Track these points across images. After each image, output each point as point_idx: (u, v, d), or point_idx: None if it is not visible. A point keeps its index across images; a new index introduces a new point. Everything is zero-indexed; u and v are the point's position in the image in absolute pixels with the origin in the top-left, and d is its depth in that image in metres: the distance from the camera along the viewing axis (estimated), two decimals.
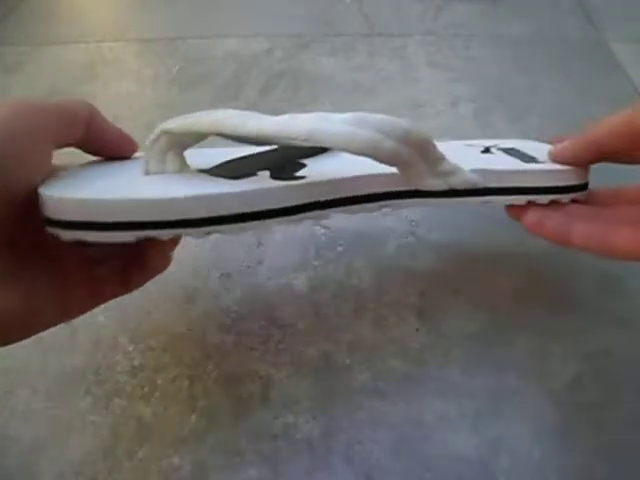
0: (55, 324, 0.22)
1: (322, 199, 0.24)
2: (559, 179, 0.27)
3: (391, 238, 0.34)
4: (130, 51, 0.53)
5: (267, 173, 0.24)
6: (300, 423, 0.26)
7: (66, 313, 0.23)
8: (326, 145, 0.22)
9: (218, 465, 0.25)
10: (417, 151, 0.24)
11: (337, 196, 0.25)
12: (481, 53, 0.51)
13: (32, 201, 0.20)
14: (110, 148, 0.24)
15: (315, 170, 0.26)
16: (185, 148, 0.24)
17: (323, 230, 0.35)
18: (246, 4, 0.59)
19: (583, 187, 0.27)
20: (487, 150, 0.30)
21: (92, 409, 0.27)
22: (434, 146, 0.24)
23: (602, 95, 0.45)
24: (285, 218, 0.23)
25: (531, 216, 0.26)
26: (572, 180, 0.27)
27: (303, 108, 0.44)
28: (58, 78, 0.49)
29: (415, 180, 0.25)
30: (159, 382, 0.28)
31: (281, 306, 0.31)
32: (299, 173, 0.25)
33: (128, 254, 0.24)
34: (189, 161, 0.25)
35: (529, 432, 0.26)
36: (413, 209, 0.35)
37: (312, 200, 0.24)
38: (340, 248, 0.34)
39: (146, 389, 0.28)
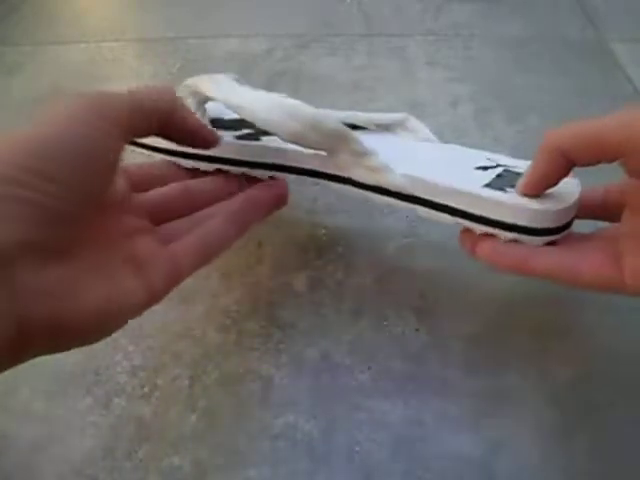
0: (144, 309, 0.22)
1: (252, 160, 0.29)
2: (499, 212, 0.24)
3: (391, 238, 0.34)
4: (130, 51, 0.53)
5: (244, 132, 0.30)
6: (300, 423, 0.26)
7: (152, 295, 0.22)
8: (246, 119, 0.27)
9: (218, 465, 0.25)
10: (336, 140, 0.26)
11: (269, 161, 0.29)
12: (481, 53, 0.51)
13: (105, 196, 0.21)
14: (190, 140, 0.25)
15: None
16: (202, 100, 0.29)
17: (323, 230, 0.35)
18: (246, 4, 0.59)
19: (532, 231, 0.24)
20: (486, 168, 0.27)
21: (92, 409, 0.27)
22: (354, 139, 0.26)
23: (602, 95, 0.45)
24: (223, 166, 0.29)
25: (484, 244, 0.24)
26: (514, 217, 0.24)
27: None
28: (58, 78, 0.49)
29: (343, 167, 0.27)
30: (159, 382, 0.28)
31: (281, 306, 0.31)
32: (265, 138, 0.29)
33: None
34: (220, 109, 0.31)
35: (529, 432, 0.26)
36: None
37: (244, 159, 0.29)
38: (340, 248, 0.34)
39: (146, 389, 0.28)
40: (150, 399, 0.27)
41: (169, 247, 0.24)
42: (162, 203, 0.26)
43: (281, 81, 0.48)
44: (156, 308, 0.31)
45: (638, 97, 0.45)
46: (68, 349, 0.20)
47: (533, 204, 0.24)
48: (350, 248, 0.34)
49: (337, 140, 0.26)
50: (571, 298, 0.31)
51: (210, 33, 0.55)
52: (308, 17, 0.56)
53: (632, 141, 0.20)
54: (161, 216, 0.26)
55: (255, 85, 0.49)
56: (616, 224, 0.24)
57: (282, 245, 0.34)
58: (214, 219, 0.26)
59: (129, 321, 0.31)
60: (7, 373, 0.28)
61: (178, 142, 0.25)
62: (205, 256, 0.25)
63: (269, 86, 0.47)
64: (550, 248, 0.24)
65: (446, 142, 0.31)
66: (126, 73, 0.50)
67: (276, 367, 0.28)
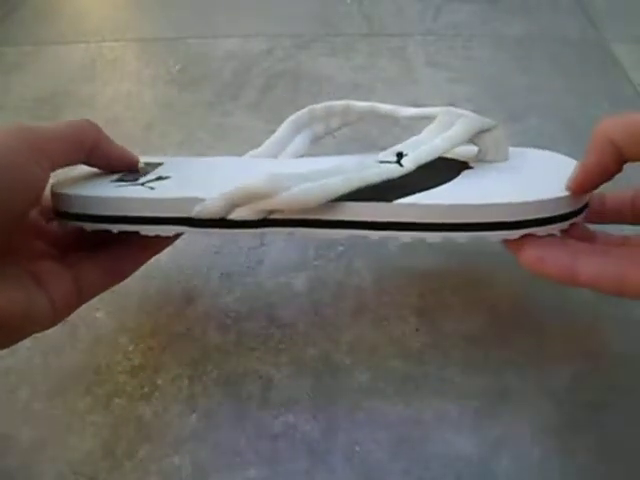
0: (49, 325, 0.23)
1: None
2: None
3: (391, 239, 0.34)
4: (130, 51, 0.53)
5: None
6: (300, 423, 0.26)
7: (56, 313, 0.23)
8: None
9: (218, 465, 0.25)
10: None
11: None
12: (481, 53, 0.51)
13: (22, 218, 0.22)
14: (113, 166, 0.27)
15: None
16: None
17: None
18: (246, 4, 0.59)
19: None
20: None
21: (92, 409, 0.27)
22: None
23: (602, 95, 0.45)
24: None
25: (530, 251, 0.23)
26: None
27: (303, 108, 0.44)
28: (59, 78, 0.49)
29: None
30: (159, 382, 0.28)
31: (281, 306, 0.31)
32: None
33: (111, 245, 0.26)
34: None
35: (529, 432, 0.26)
36: None
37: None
38: (340, 248, 0.34)
39: (146, 389, 0.28)
40: (150, 399, 0.27)
41: (73, 268, 0.24)
42: (74, 233, 0.26)
43: (281, 81, 0.48)
44: (156, 308, 0.31)
45: (638, 98, 0.45)
46: None
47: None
48: (350, 248, 0.34)
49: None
50: (571, 298, 0.31)
51: (210, 33, 0.55)
52: (308, 17, 0.56)
53: None
54: (71, 247, 0.26)
55: (254, 85, 0.49)
56: None
57: (282, 245, 0.34)
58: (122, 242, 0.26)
59: (128, 321, 0.31)
60: (7, 373, 0.28)
61: (104, 168, 0.27)
62: (112, 275, 0.26)
63: (269, 86, 0.47)
64: (597, 258, 0.22)
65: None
66: (126, 73, 0.50)
67: (276, 367, 0.28)
